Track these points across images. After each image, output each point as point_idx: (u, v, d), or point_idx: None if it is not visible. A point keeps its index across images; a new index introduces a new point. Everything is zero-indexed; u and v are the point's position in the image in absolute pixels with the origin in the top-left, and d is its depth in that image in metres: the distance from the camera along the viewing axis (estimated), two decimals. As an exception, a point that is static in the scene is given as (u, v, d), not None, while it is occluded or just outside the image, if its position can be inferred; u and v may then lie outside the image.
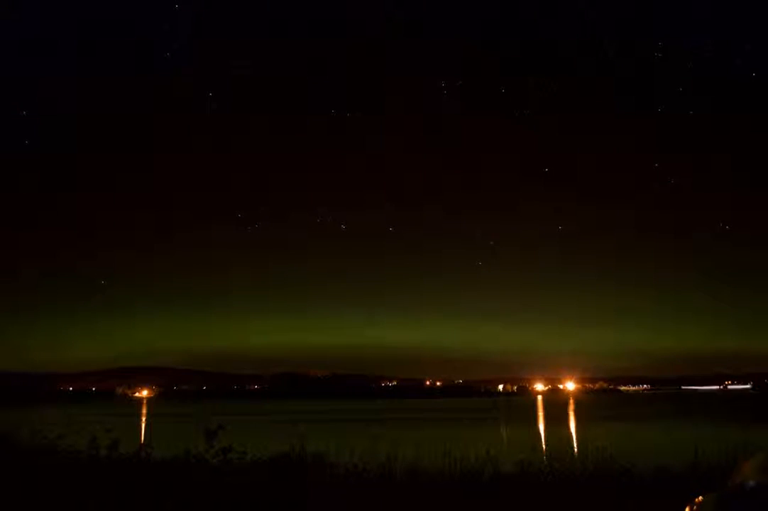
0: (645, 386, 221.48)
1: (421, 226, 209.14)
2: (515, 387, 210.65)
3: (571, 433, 30.08)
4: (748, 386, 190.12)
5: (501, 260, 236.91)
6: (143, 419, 48.69)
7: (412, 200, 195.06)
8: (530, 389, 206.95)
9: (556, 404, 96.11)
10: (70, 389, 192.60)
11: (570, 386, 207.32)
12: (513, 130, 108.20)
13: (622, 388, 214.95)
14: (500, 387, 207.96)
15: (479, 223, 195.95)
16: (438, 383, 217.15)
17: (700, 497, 1.85)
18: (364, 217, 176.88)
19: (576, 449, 12.63)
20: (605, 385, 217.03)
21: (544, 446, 13.63)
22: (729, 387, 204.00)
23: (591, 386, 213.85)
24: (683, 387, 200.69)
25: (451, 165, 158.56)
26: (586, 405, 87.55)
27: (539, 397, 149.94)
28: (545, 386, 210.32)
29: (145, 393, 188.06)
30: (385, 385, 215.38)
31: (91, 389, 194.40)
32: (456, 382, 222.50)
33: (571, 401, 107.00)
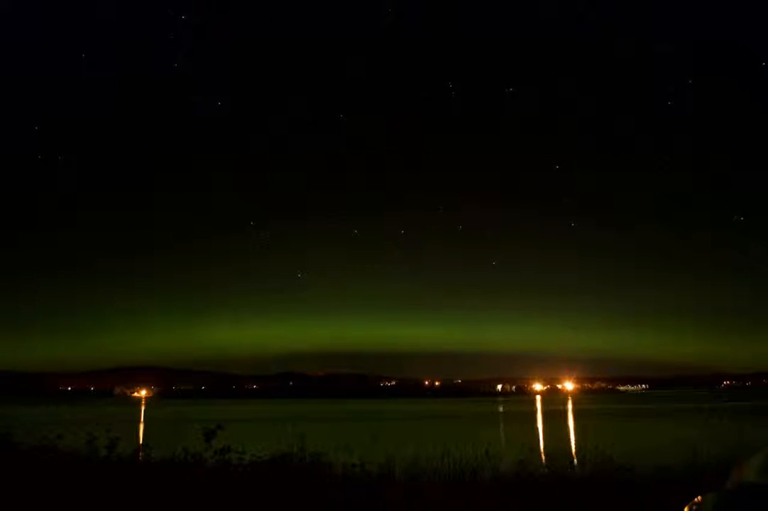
0: (644, 385, 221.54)
1: (429, 227, 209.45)
2: (514, 387, 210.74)
3: (569, 433, 30.08)
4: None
5: (504, 260, 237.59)
6: (142, 418, 48.63)
7: (421, 201, 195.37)
8: (529, 388, 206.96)
9: (554, 404, 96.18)
10: (69, 388, 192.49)
11: (569, 385, 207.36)
12: (520, 129, 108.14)
13: (621, 388, 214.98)
14: (499, 387, 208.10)
15: (486, 224, 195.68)
16: (437, 383, 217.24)
17: (700, 497, 1.85)
18: (374, 221, 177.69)
19: (575, 449, 12.64)
20: (604, 385, 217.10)
21: (542, 446, 13.62)
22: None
23: (590, 385, 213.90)
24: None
25: (459, 165, 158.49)
26: (584, 405, 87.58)
27: (538, 397, 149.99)
28: (544, 385, 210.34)
29: (143, 393, 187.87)
30: (385, 385, 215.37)
31: (90, 389, 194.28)
32: (455, 382, 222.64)
33: (570, 401, 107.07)
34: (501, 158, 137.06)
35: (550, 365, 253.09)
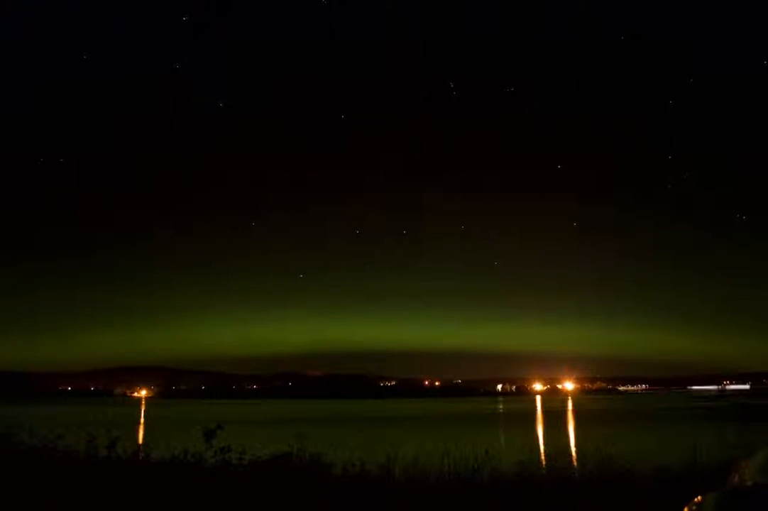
0: (644, 385, 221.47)
1: (431, 227, 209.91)
2: (514, 387, 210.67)
3: (569, 433, 30.08)
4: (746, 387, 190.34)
5: (506, 261, 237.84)
6: (142, 418, 48.61)
7: (422, 201, 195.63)
8: (529, 388, 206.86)
9: (554, 404, 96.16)
10: (69, 388, 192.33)
11: (569, 385, 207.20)
12: (522, 129, 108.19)
13: (621, 388, 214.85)
14: (499, 387, 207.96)
15: (489, 224, 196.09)
16: (437, 383, 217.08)
17: (700, 497, 1.85)
18: (376, 221, 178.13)
19: (575, 450, 12.63)
20: (604, 385, 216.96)
21: (542, 446, 13.62)
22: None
23: (590, 385, 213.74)
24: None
25: (463, 165, 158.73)
26: (584, 405, 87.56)
27: (538, 397, 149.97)
28: (544, 386, 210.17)
29: (144, 393, 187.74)
30: (385, 385, 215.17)
31: (90, 389, 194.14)
32: (455, 382, 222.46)
33: (570, 401, 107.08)
34: (502, 158, 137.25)
35: (550, 365, 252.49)
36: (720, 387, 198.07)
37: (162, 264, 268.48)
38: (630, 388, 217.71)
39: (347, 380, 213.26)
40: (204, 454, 7.29)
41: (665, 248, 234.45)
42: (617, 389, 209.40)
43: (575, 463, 8.57)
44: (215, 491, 6.38)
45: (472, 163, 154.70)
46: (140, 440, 11.59)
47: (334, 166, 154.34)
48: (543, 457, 9.22)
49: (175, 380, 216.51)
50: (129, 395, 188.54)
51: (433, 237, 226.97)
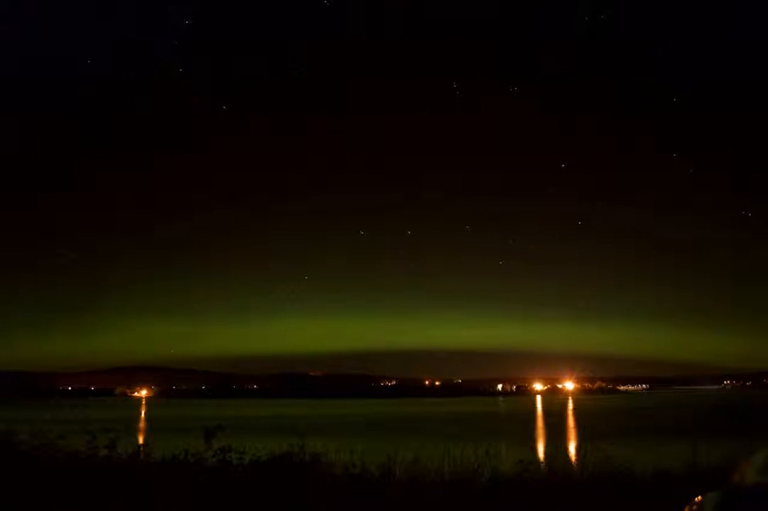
0: (644, 385, 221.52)
1: (435, 228, 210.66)
2: (514, 387, 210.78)
3: (569, 433, 30.08)
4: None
5: (508, 260, 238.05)
6: (142, 418, 48.64)
7: (427, 202, 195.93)
8: (529, 388, 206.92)
9: (554, 404, 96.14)
10: (69, 388, 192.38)
11: (569, 385, 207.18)
12: (524, 129, 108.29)
13: (621, 387, 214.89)
14: (499, 387, 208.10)
15: (493, 224, 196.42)
16: (437, 383, 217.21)
17: (699, 497, 1.85)
18: (380, 221, 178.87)
19: (575, 450, 12.65)
20: (604, 385, 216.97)
21: (542, 446, 13.63)
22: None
23: (590, 385, 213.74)
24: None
25: (465, 165, 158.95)
26: (584, 405, 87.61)
27: (538, 397, 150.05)
28: (544, 385, 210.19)
29: (144, 393, 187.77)
30: (385, 384, 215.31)
31: (90, 389, 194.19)
32: (455, 382, 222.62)
33: (570, 401, 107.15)
34: (505, 158, 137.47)
35: (550, 365, 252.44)
36: (721, 387, 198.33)
37: (162, 264, 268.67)
38: (630, 388, 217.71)
39: (347, 380, 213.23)
40: (204, 454, 7.29)
41: (666, 248, 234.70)
42: (617, 389, 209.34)
43: (575, 463, 8.57)
44: (215, 491, 6.38)
45: (474, 163, 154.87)
46: (140, 440, 11.59)
47: (334, 166, 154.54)
48: (543, 457, 9.22)
49: (175, 380, 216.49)
50: (129, 395, 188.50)
51: (436, 237, 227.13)
